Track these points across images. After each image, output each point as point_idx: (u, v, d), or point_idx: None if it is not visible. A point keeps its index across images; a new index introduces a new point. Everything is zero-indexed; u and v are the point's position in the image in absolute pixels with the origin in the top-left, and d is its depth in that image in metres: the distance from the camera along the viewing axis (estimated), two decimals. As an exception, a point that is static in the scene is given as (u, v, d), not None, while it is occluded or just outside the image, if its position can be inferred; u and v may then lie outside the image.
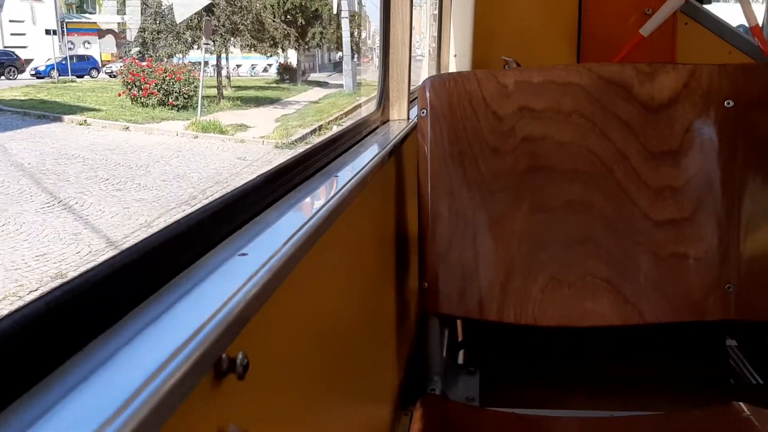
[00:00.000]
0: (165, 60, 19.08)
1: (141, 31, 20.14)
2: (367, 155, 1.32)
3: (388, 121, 1.84)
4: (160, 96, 16.90)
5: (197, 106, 16.65)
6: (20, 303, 0.47)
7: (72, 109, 16.37)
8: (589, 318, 1.44)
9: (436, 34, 3.35)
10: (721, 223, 1.40)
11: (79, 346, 0.47)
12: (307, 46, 24.68)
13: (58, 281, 0.58)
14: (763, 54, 2.87)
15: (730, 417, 1.30)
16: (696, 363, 1.82)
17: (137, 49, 19.98)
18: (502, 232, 1.45)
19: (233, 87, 21.94)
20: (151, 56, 19.18)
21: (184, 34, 19.42)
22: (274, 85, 25.20)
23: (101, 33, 25.23)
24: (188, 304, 0.56)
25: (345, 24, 22.12)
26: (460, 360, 1.84)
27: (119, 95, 17.48)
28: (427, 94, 1.45)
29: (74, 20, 25.14)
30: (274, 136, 15.29)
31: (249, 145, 14.66)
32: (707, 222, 1.41)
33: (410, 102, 1.90)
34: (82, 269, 0.54)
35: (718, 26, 3.26)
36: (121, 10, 23.45)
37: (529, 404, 1.56)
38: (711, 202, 1.41)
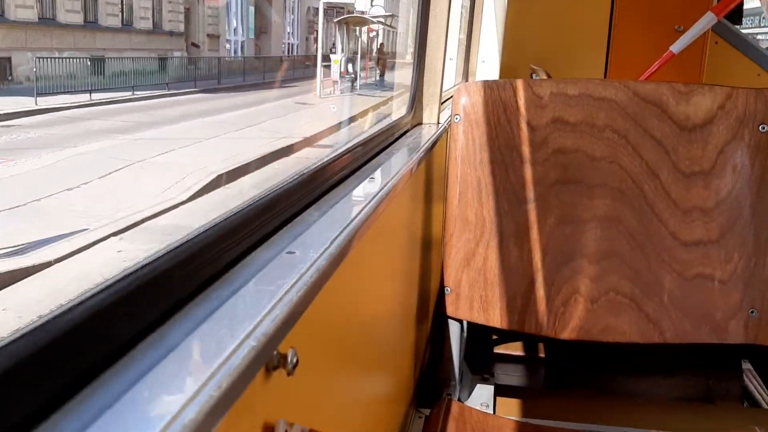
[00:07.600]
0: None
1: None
2: (400, 159, 1.33)
3: (420, 124, 1.85)
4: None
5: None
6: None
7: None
8: (609, 334, 1.44)
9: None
10: (749, 247, 1.40)
11: (139, 340, 0.47)
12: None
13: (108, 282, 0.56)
14: None
15: None
16: (711, 383, 1.82)
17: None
18: (528, 242, 1.46)
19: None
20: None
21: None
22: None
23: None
24: (242, 301, 0.57)
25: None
26: (477, 366, 1.85)
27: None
28: (462, 100, 1.46)
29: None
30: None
31: None
32: (735, 245, 1.41)
33: (441, 104, 1.91)
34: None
35: (748, 47, 3.24)
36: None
37: (542, 415, 1.56)
38: (740, 225, 1.41)
